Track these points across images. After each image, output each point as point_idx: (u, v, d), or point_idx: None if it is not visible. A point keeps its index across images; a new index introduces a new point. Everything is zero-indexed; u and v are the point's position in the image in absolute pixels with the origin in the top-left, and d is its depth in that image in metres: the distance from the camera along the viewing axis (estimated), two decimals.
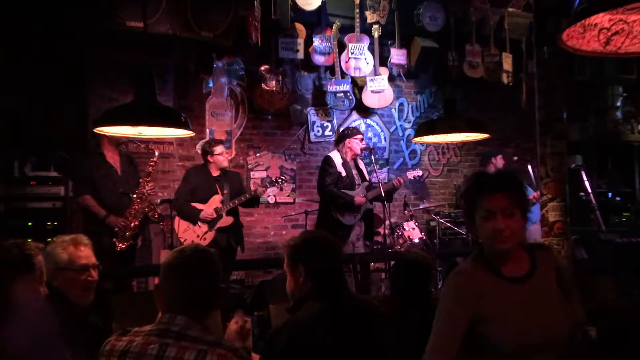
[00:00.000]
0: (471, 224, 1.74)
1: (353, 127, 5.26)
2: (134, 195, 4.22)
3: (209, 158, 4.63)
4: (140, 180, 4.29)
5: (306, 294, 1.89)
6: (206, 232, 4.56)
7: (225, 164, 4.70)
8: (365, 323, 1.87)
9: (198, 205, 4.55)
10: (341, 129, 5.97)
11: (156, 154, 4.35)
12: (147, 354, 1.50)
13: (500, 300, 1.64)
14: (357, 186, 4.81)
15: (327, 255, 1.95)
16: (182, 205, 4.57)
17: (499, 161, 5.93)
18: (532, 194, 5.17)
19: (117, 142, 4.32)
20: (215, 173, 4.65)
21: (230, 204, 4.58)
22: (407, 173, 5.12)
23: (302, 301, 1.89)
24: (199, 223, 4.56)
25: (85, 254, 2.21)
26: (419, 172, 5.21)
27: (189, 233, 4.56)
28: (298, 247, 1.96)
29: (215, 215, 4.55)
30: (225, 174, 4.74)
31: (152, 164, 4.30)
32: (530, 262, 1.73)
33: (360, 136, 4.88)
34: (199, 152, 5.67)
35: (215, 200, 4.59)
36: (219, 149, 4.64)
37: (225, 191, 4.63)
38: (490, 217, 1.66)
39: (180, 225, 4.59)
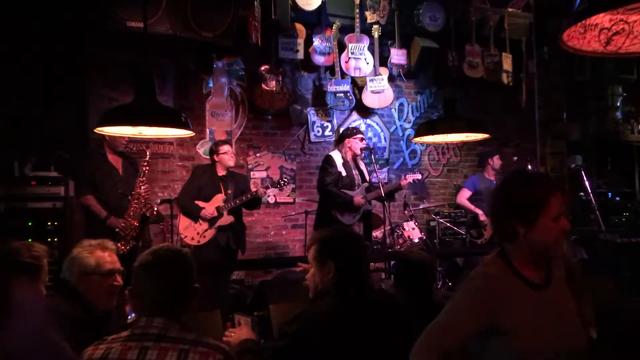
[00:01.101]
0: (530, 225, 1.60)
1: (353, 127, 5.25)
2: (130, 197, 4.25)
3: (215, 157, 4.71)
4: (136, 180, 4.31)
5: (329, 289, 1.87)
6: (206, 230, 4.60)
7: (230, 163, 4.74)
8: (385, 324, 1.85)
9: (201, 203, 4.61)
10: (341, 129, 5.97)
11: (147, 154, 4.35)
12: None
13: (527, 309, 1.58)
14: (356, 187, 4.81)
15: (358, 254, 1.94)
16: (185, 202, 4.64)
17: (495, 161, 5.94)
18: None
19: (115, 148, 4.34)
20: (221, 173, 4.71)
21: (232, 203, 4.61)
22: (407, 176, 5.09)
23: (322, 295, 1.87)
24: (200, 221, 4.60)
25: (112, 259, 2.21)
26: (418, 176, 5.17)
27: (190, 230, 4.62)
28: (330, 243, 1.94)
29: (215, 214, 4.58)
30: (232, 175, 4.79)
31: (145, 164, 4.31)
32: (547, 268, 1.68)
33: (360, 136, 4.88)
34: (199, 152, 5.69)
35: (218, 199, 4.64)
36: (224, 148, 4.70)
37: (229, 191, 4.67)
38: (559, 218, 1.59)
39: (182, 223, 4.66)
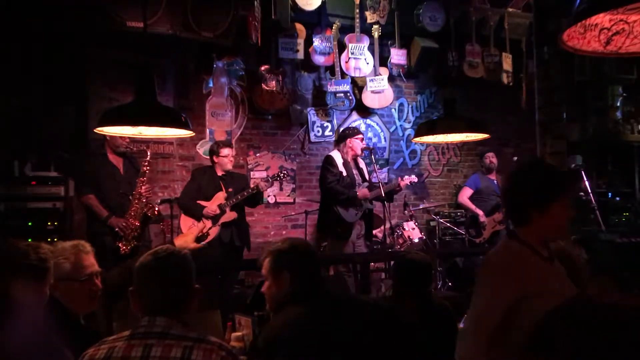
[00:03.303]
0: (542, 211, 1.72)
1: (354, 127, 5.26)
2: (131, 197, 4.25)
3: (215, 159, 4.74)
4: (137, 180, 4.31)
5: (287, 299, 1.90)
6: (210, 228, 4.61)
7: (228, 166, 4.76)
8: (350, 323, 1.86)
9: (203, 203, 4.64)
10: (342, 129, 5.97)
11: (148, 154, 4.36)
12: (131, 357, 1.49)
13: (544, 276, 1.71)
14: (357, 186, 4.82)
15: (310, 260, 2.00)
16: (187, 202, 4.67)
17: (490, 159, 5.95)
18: None
19: (115, 149, 4.34)
20: (221, 173, 4.75)
21: (234, 199, 4.64)
22: (405, 178, 5.05)
23: (282, 306, 1.90)
24: (203, 219, 4.62)
25: (89, 262, 2.13)
26: (414, 178, 5.13)
27: (193, 229, 4.58)
28: (284, 254, 1.98)
29: (218, 211, 4.61)
30: (231, 175, 4.83)
31: (146, 163, 4.31)
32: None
33: (361, 136, 4.90)
34: (199, 152, 5.69)
35: (219, 197, 4.67)
36: (225, 151, 4.73)
37: (229, 189, 4.69)
38: (569, 207, 1.74)
39: (186, 222, 4.68)
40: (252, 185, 4.77)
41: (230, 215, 4.67)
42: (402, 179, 5.00)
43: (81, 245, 2.15)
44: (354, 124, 6.21)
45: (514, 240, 1.78)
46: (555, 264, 1.80)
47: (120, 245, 4.14)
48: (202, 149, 5.70)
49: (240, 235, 4.76)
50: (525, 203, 1.74)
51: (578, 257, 2.12)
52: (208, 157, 5.55)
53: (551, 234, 1.77)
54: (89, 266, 2.12)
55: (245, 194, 4.65)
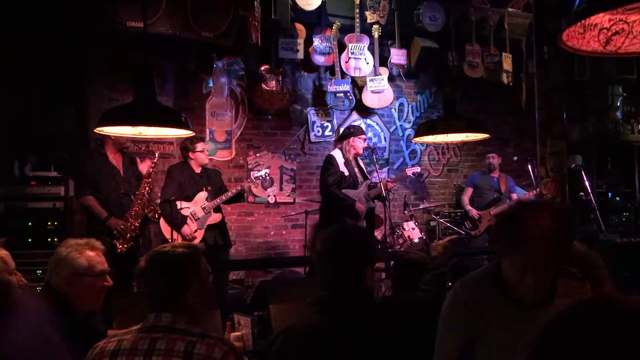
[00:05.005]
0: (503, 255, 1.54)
1: (358, 126, 5.24)
2: (133, 197, 4.24)
3: (190, 155, 4.60)
4: (141, 181, 4.30)
5: (316, 301, 1.76)
6: (196, 231, 4.55)
7: (206, 161, 4.69)
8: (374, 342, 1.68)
9: (183, 203, 4.47)
10: (346, 126, 5.97)
11: (156, 155, 4.35)
12: (138, 349, 1.56)
13: (501, 323, 1.51)
14: (359, 184, 4.83)
15: (336, 264, 1.70)
16: (170, 210, 4.34)
17: (491, 159, 6.18)
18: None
19: (120, 147, 4.34)
20: (198, 170, 4.65)
21: (217, 201, 4.57)
22: (407, 170, 5.15)
23: (312, 306, 1.76)
24: (188, 222, 4.51)
25: (101, 259, 2.17)
26: (418, 169, 5.25)
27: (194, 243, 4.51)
28: (314, 252, 1.79)
29: (196, 237, 4.49)
30: (207, 172, 4.74)
31: (153, 165, 4.30)
32: (550, 289, 1.55)
33: (364, 136, 4.92)
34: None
35: (201, 197, 4.57)
36: (200, 146, 4.61)
37: (209, 188, 4.63)
38: (523, 270, 1.46)
39: (167, 227, 4.43)
40: (240, 185, 4.73)
41: (215, 218, 4.61)
42: (405, 172, 5.08)
43: (92, 242, 2.19)
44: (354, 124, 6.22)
45: (490, 270, 1.59)
46: (546, 310, 1.47)
47: (117, 243, 4.11)
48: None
49: (223, 235, 4.70)
50: (501, 238, 1.53)
51: (595, 259, 1.98)
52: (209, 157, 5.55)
53: (510, 286, 1.52)
54: (101, 262, 2.17)
55: (229, 194, 4.59)
